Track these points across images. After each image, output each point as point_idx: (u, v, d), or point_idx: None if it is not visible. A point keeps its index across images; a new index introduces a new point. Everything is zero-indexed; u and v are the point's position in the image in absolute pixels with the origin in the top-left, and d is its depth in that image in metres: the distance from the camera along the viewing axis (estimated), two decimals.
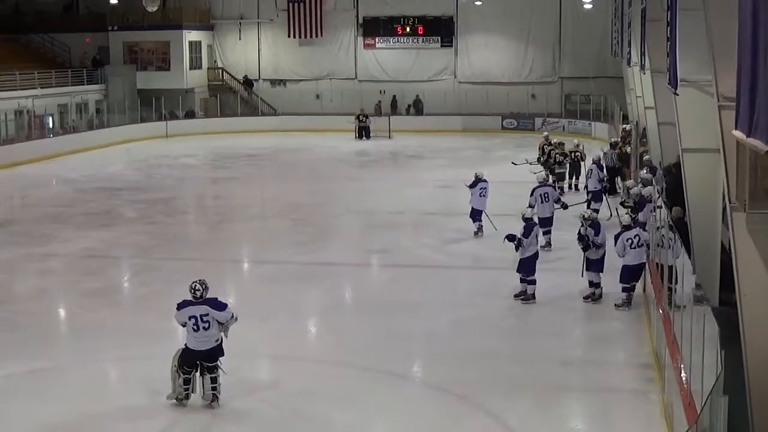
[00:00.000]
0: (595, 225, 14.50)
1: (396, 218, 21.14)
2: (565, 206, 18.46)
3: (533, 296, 14.41)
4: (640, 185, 16.78)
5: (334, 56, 46.38)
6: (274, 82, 47.34)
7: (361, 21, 45.98)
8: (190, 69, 45.07)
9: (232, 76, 46.98)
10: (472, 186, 19.20)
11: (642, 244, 13.91)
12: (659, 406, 10.22)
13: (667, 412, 9.80)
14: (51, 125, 38.56)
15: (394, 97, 45.27)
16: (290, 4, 45.64)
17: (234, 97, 45.87)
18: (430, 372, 11.86)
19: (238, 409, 10.41)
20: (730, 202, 7.97)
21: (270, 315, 13.94)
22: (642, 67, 21.70)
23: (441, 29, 45.29)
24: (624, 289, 14.10)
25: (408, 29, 45.60)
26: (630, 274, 14.11)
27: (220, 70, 47.16)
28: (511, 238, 14.37)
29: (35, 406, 10.52)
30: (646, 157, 20.82)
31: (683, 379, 8.81)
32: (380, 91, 45.48)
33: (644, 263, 14.11)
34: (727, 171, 8.06)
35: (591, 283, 14.44)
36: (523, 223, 14.46)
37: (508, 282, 16.18)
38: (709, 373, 7.04)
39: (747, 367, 7.80)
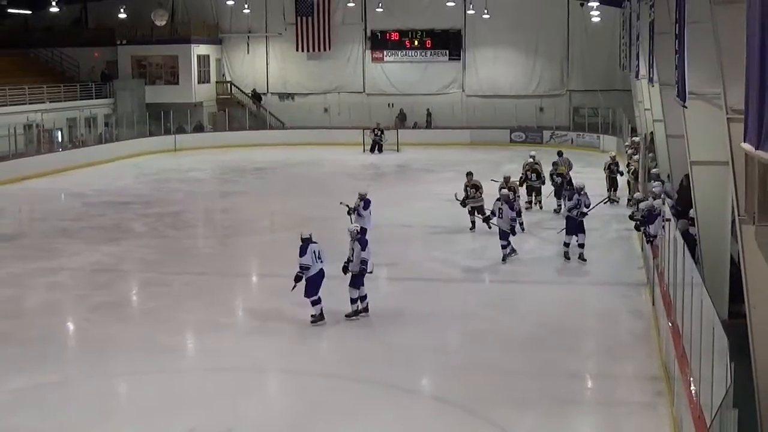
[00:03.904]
0: (363, 242, 14.46)
1: (404, 231, 21.15)
2: (512, 231, 18.08)
3: (321, 317, 13.95)
4: (650, 198, 16.74)
5: (342, 70, 46.51)
6: (282, 96, 47.46)
7: (369, 34, 46.12)
8: (198, 83, 45.23)
9: (241, 90, 47.11)
10: (366, 207, 18.77)
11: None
12: (668, 420, 10.17)
13: (676, 425, 9.75)
14: (60, 139, 38.68)
15: (401, 110, 45.32)
16: (298, 18, 45.81)
17: (242, 110, 45.98)
18: (438, 385, 11.84)
19: (241, 425, 10.39)
20: (739, 215, 7.96)
21: (278, 328, 13.95)
22: (650, 80, 21.70)
23: (449, 42, 45.41)
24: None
25: (416, 42, 45.73)
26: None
27: (229, 84, 47.31)
28: (297, 278, 13.86)
29: (43, 420, 10.52)
30: (654, 171, 20.75)
31: (693, 392, 8.78)
32: (388, 105, 45.57)
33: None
34: (736, 184, 8.05)
35: (352, 300, 14.24)
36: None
37: (517, 295, 16.24)
38: (719, 386, 7.00)
39: (757, 379, 7.77)
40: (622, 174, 25.53)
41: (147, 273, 18.34)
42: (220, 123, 45.62)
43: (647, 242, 16.38)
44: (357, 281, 14.31)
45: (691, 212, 13.93)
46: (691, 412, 8.56)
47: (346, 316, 14.24)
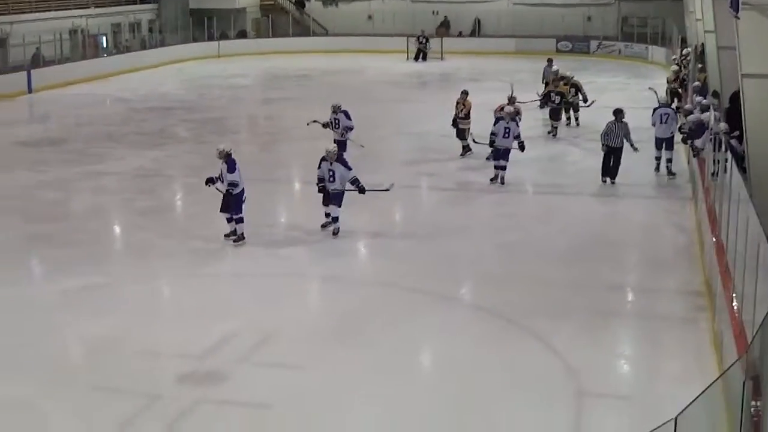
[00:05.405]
0: (343, 161, 13.94)
1: (445, 141, 20.97)
2: (522, 147, 17.40)
3: (243, 235, 13.58)
4: (698, 111, 16.43)
5: None
6: (326, 2, 46.93)
7: None
8: None
9: None
10: (350, 117, 18.28)
11: (666, 121, 17.81)
12: (709, 335, 10.14)
13: (716, 340, 9.72)
14: (104, 45, 38.76)
15: (446, 17, 44.59)
16: None
17: (286, 17, 45.56)
18: (477, 294, 11.89)
19: (283, 328, 10.52)
20: None
21: (318, 236, 14.02)
22: None
23: None
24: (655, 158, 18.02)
25: None
26: (658, 144, 17.88)
27: None
28: (227, 195, 13.49)
29: (88, 319, 10.74)
30: (695, 84, 20.30)
31: (734, 308, 8.72)
32: (433, 12, 44.86)
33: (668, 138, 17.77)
34: None
35: (334, 219, 13.96)
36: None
37: (557, 206, 16.15)
38: (761, 303, 6.93)
39: None
40: (682, 88, 24.83)
41: (190, 178, 18.45)
42: (264, 29, 45.35)
43: (694, 156, 16.14)
44: (340, 200, 13.90)
45: (723, 125, 13.67)
46: (732, 328, 8.52)
47: (333, 234, 13.91)
